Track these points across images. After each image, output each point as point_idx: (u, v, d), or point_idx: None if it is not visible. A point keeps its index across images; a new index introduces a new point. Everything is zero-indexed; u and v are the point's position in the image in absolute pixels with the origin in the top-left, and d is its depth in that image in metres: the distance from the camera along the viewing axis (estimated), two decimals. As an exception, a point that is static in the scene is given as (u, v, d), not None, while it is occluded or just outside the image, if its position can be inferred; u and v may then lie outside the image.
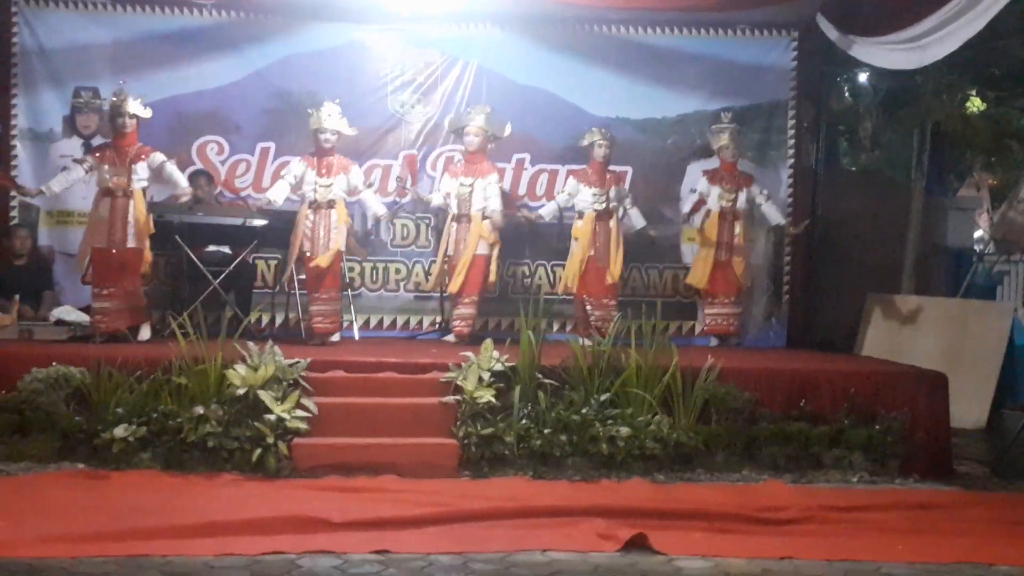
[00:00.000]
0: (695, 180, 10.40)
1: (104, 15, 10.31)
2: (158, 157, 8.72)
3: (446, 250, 9.50)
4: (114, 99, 8.71)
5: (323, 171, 8.94)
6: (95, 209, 8.62)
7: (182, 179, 9.01)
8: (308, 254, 8.90)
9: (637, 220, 10.03)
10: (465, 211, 9.38)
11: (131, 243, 8.51)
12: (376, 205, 9.54)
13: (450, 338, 9.49)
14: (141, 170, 8.60)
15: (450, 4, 10.25)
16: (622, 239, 9.78)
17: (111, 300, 8.46)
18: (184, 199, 8.91)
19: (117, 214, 8.49)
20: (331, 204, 8.94)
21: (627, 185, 10.28)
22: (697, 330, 10.65)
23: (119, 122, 8.64)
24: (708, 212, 10.03)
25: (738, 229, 9.96)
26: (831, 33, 9.73)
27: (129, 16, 10.33)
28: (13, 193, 9.76)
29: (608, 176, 9.81)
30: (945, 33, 7.71)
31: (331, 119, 8.97)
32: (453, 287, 9.38)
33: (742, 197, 9.97)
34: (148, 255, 8.68)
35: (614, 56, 10.77)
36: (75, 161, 9.01)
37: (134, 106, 8.62)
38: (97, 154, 8.68)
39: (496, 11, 10.42)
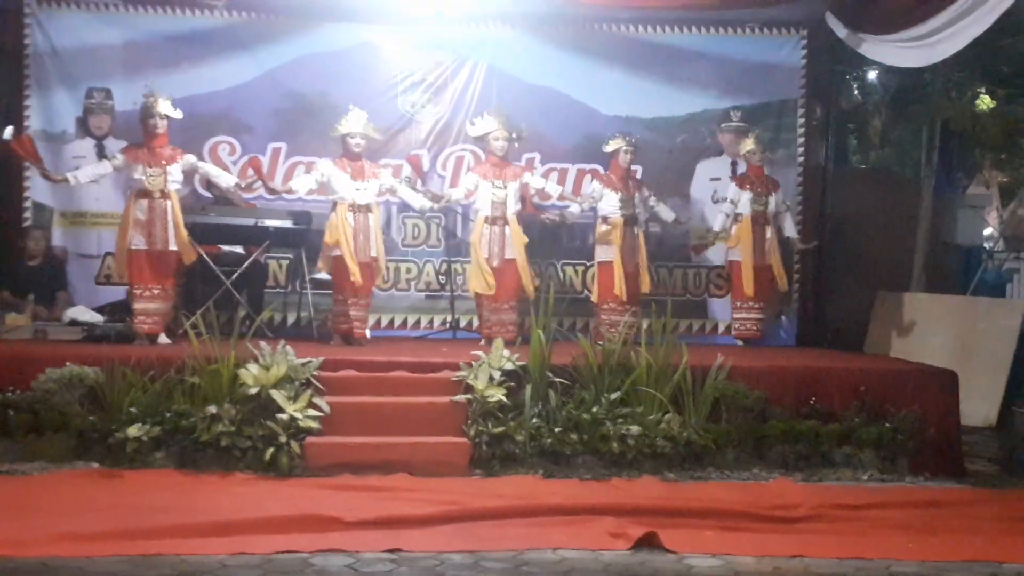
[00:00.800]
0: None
1: (116, 16, 10.36)
2: (190, 158, 8.78)
3: (482, 253, 9.26)
4: (146, 100, 8.67)
5: (357, 175, 8.88)
6: (130, 210, 8.54)
7: (222, 173, 9.14)
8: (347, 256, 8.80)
9: (667, 213, 10.04)
10: (500, 214, 9.26)
11: (172, 245, 8.51)
12: (416, 199, 9.31)
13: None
14: (175, 172, 8.60)
15: (460, 5, 10.29)
16: (644, 245, 9.83)
17: (152, 302, 8.48)
18: (231, 188, 9.14)
19: (156, 215, 8.46)
20: (369, 208, 8.91)
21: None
22: (720, 329, 10.73)
23: (151, 123, 8.60)
24: (738, 217, 10.02)
25: (770, 233, 9.97)
26: (840, 31, 9.74)
27: (141, 17, 10.39)
28: (27, 169, 9.82)
29: (631, 181, 9.81)
30: (954, 31, 7.71)
31: (360, 123, 8.94)
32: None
33: (772, 201, 10.00)
34: (192, 254, 8.70)
35: (623, 55, 10.80)
36: (106, 157, 9.03)
37: (165, 106, 8.61)
38: (129, 154, 8.62)
39: (506, 11, 10.45)
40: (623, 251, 9.59)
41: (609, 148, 9.81)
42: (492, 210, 9.27)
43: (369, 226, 8.86)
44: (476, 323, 9.77)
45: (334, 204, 8.86)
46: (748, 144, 10.11)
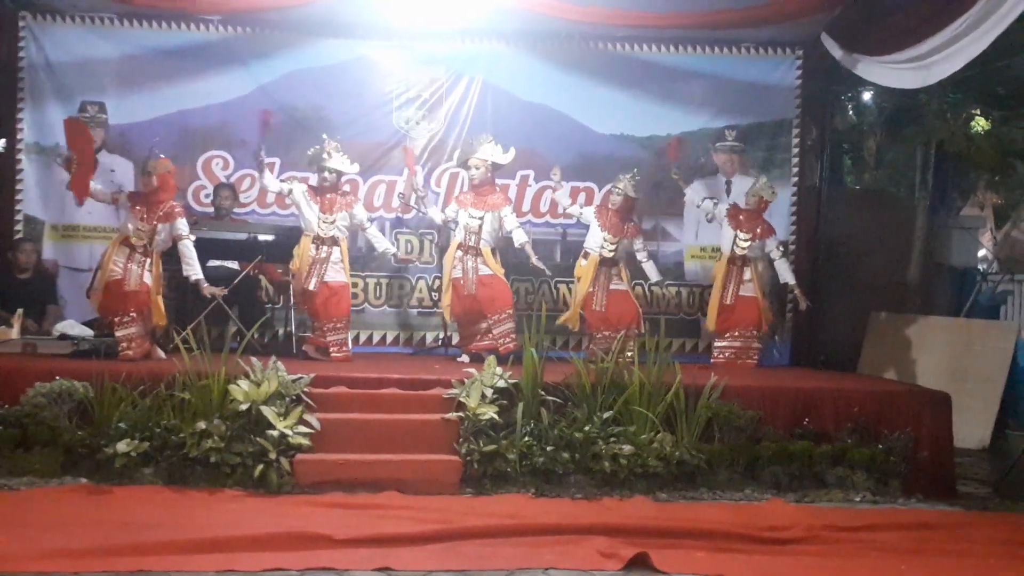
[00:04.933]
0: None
1: (111, 30, 10.34)
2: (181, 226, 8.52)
3: (451, 274, 9.30)
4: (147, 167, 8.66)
5: (325, 209, 9.01)
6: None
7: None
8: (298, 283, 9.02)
9: (652, 273, 9.85)
10: (473, 243, 9.25)
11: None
12: (381, 242, 9.43)
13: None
14: (163, 231, 8.48)
15: (456, 21, 10.27)
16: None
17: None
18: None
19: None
20: (335, 241, 8.99)
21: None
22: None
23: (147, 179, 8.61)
24: (719, 254, 10.03)
25: (748, 275, 9.86)
26: (835, 52, 9.73)
27: (136, 31, 10.36)
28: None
29: (626, 226, 9.67)
30: (950, 52, 7.70)
31: (333, 159, 9.04)
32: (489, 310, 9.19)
33: (755, 246, 9.88)
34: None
35: (619, 73, 10.80)
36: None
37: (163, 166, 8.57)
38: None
39: (501, 28, 10.45)
40: (594, 287, 9.55)
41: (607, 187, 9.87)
42: (465, 238, 9.31)
43: (330, 259, 8.93)
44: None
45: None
46: (752, 185, 10.06)
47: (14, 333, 8.73)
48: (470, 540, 5.78)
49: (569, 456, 7.06)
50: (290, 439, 6.83)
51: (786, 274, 9.92)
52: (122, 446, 6.73)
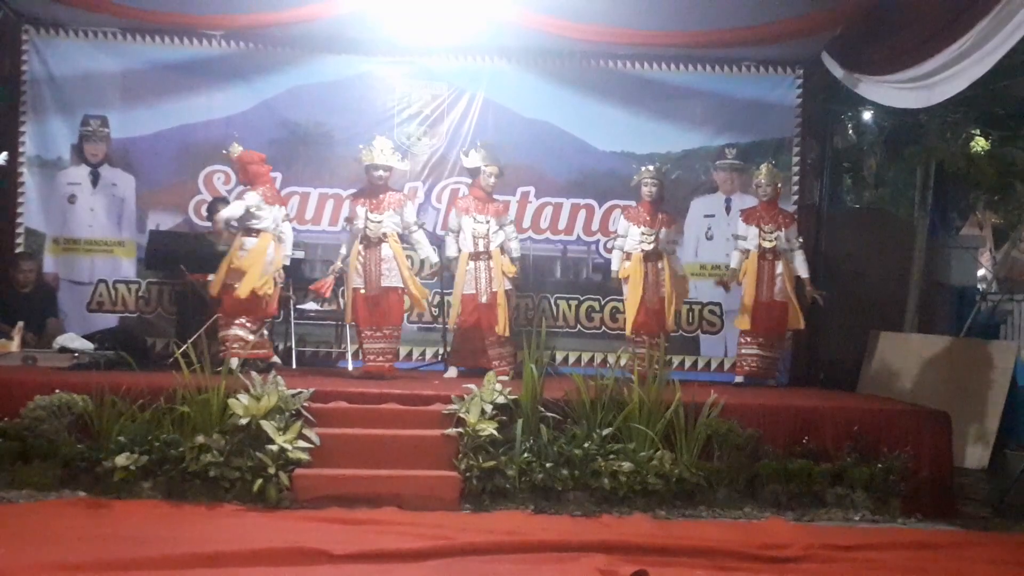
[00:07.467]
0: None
1: (114, 44, 10.41)
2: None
3: (462, 288, 9.29)
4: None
5: (374, 208, 8.83)
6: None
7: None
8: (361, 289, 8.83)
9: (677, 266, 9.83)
10: (484, 248, 9.24)
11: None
12: (425, 248, 9.17)
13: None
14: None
15: (458, 38, 10.32)
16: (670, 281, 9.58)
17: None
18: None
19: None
20: (383, 239, 8.83)
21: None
22: (712, 366, 10.77)
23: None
24: (747, 252, 9.82)
25: (780, 269, 9.69)
26: (836, 71, 9.74)
27: (138, 45, 10.43)
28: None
29: (660, 215, 9.62)
30: (952, 73, 7.67)
31: (383, 155, 8.88)
32: (500, 328, 9.16)
33: (781, 237, 9.73)
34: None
35: (619, 91, 10.84)
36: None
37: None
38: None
39: (503, 45, 10.50)
40: (644, 287, 9.51)
41: (632, 182, 9.81)
42: (474, 245, 9.26)
43: (381, 258, 8.77)
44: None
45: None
46: (758, 176, 9.90)
47: (14, 346, 8.74)
48: (469, 557, 5.76)
49: (568, 473, 7.05)
50: (289, 454, 6.82)
51: (801, 268, 9.80)
52: (121, 460, 6.72)
